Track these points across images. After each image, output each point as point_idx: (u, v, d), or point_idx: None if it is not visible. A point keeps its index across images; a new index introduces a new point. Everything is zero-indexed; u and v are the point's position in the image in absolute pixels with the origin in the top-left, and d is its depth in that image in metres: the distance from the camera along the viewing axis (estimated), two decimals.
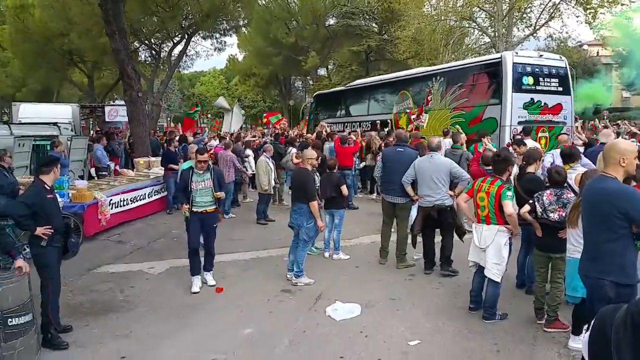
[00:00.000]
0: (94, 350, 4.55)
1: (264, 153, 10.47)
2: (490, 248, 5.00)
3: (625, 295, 3.33)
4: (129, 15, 19.56)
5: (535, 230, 4.95)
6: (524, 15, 25.31)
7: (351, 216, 9.67)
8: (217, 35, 29.53)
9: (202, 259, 6.32)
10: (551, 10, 24.38)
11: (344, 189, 7.28)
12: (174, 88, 50.36)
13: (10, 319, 4.06)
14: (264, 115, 25.65)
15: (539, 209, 4.81)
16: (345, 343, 4.65)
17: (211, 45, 30.16)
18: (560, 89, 12.36)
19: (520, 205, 5.17)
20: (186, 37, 26.49)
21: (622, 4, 22.38)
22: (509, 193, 4.90)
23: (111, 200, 9.23)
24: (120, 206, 9.60)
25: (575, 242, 4.28)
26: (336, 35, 37.26)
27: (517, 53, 12.79)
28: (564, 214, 4.60)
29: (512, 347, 4.55)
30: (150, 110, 21.10)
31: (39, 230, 4.49)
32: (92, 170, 12.92)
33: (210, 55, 53.40)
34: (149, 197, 10.62)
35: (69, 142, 11.66)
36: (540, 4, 24.90)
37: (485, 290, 5.19)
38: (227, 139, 13.70)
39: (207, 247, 6.30)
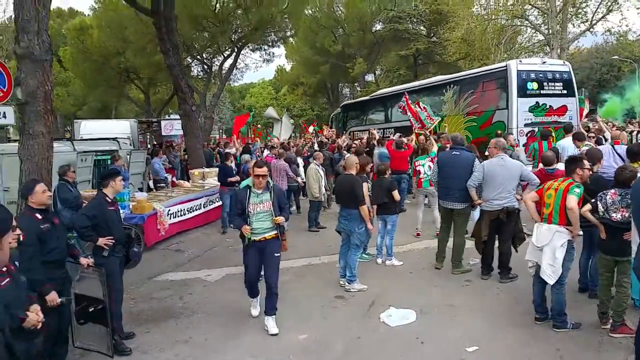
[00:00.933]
0: (155, 355, 4.71)
1: (314, 160, 10.53)
2: (547, 248, 4.82)
3: None
4: (181, 32, 20.33)
5: (600, 232, 4.72)
6: (579, 11, 24.25)
7: (404, 222, 9.54)
8: (266, 47, 30.23)
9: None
10: (609, 4, 23.25)
11: (396, 194, 7.20)
12: (225, 100, 51.69)
13: None
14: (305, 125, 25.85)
15: (601, 209, 4.60)
16: (401, 349, 4.59)
17: (260, 57, 31.30)
18: (565, 91, 13.21)
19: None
20: (236, 50, 27.19)
21: None
22: (577, 190, 4.73)
23: (169, 210, 9.56)
24: (178, 216, 9.92)
25: None
26: (383, 40, 37.08)
27: (520, 61, 13.83)
28: (627, 214, 4.37)
29: (576, 354, 4.35)
30: (203, 122, 21.75)
31: (101, 241, 4.71)
32: (151, 183, 13.43)
33: (259, 67, 54.67)
34: (204, 207, 10.92)
35: (128, 156, 12.17)
36: None
37: (551, 298, 4.98)
38: (278, 147, 13.88)
39: (268, 284, 5.19)
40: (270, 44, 30.10)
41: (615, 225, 4.51)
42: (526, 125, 12.45)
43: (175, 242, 9.49)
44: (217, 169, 12.72)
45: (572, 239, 4.82)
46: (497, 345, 4.60)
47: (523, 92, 12.70)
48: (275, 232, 5.23)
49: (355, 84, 46.43)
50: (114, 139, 13.21)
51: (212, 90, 31.14)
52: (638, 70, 29.37)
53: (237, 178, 10.41)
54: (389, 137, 15.98)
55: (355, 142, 15.65)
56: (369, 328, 5.12)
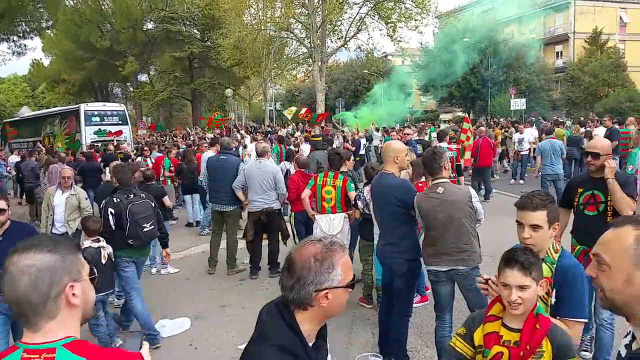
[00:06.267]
0: None
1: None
2: (340, 234, 5.59)
3: (415, 268, 4.09)
4: None
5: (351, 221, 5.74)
6: (336, 28, 27.37)
7: (178, 228, 9.49)
8: (15, 38, 26.21)
9: None
10: (358, 24, 26.80)
11: (167, 200, 7.12)
12: None
13: None
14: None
15: (360, 205, 5.38)
16: (173, 359, 4.60)
17: (8, 48, 26.71)
18: (121, 122, 21.93)
19: None
20: None
21: (416, 19, 25.62)
22: (353, 185, 5.67)
23: None
24: None
25: None
26: (156, 40, 35.83)
27: (87, 104, 22.50)
28: None
29: (332, 335, 4.92)
30: None
31: None
32: None
33: (7, 60, 46.25)
34: None
35: None
36: (349, 17, 27.25)
37: None
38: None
39: None
40: (21, 34, 26.18)
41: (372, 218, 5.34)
42: (92, 141, 19.40)
43: None
44: None
45: (350, 221, 5.81)
46: None
47: (89, 122, 20.86)
48: None
49: (128, 84, 43.80)
50: None
51: None
52: (382, 83, 34.49)
53: None
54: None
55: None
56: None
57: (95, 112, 21.49)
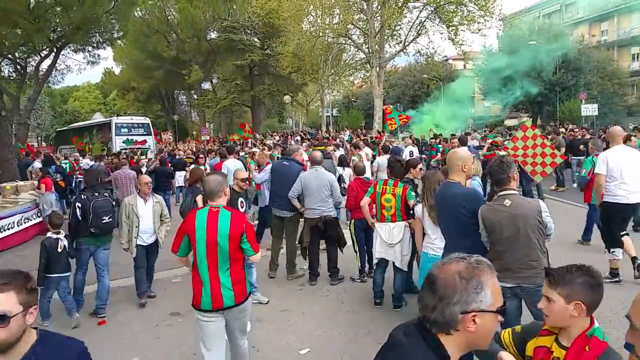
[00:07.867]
0: None
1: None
2: (400, 243, 5.57)
3: None
4: None
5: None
6: (394, 33, 27.15)
7: None
8: (90, 48, 27.76)
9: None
10: (418, 28, 26.45)
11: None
12: (43, 105, 46.42)
13: None
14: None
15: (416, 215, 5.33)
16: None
17: (83, 58, 28.25)
18: (145, 132, 26.31)
19: None
20: (55, 50, 24.60)
21: (479, 22, 24.95)
22: (413, 193, 5.60)
23: None
24: None
25: (426, 239, 5.00)
26: (219, 49, 36.98)
27: (117, 117, 27.68)
28: None
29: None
30: (17, 129, 19.33)
31: None
32: None
33: (83, 69, 49.16)
34: (18, 225, 9.77)
35: None
36: (409, 21, 26.96)
37: (394, 282, 5.70)
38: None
39: None
40: (95, 45, 27.60)
41: None
42: (121, 149, 22.31)
43: None
44: (33, 182, 11.52)
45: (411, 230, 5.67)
46: (326, 343, 4.99)
47: (119, 133, 25.22)
48: None
49: (192, 91, 45.44)
50: None
51: (28, 93, 27.71)
52: (443, 87, 33.86)
53: None
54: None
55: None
56: None
57: (124, 124, 25.99)
